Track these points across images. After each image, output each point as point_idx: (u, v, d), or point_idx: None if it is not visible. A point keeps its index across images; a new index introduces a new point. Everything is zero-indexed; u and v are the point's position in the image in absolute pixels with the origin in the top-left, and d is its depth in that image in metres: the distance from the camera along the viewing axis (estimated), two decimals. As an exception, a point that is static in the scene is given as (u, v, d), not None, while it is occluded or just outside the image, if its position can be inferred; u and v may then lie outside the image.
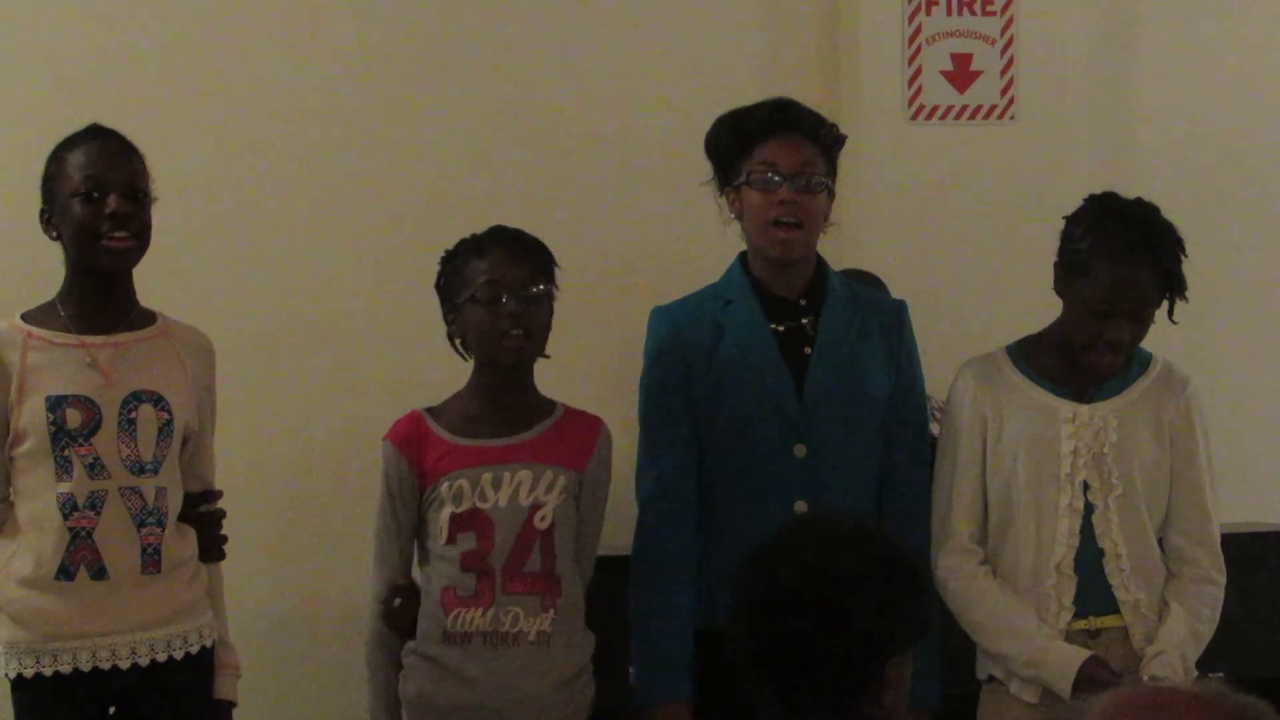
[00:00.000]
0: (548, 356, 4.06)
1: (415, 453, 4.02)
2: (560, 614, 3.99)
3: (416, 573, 4.10)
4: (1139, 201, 4.01)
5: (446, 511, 3.97)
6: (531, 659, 3.96)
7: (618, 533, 4.25)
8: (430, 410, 4.08)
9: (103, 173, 3.84)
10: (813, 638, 2.83)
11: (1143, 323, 3.98)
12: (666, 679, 4.02)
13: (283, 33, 5.27)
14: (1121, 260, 3.91)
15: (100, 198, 3.82)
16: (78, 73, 5.13)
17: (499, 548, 3.96)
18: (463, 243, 4.06)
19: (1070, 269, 4.00)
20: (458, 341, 4.07)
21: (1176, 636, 3.99)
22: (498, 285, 3.96)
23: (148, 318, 3.98)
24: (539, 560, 3.98)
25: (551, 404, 4.11)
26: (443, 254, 4.09)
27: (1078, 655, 3.93)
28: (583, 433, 4.09)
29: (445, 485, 3.98)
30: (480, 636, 3.95)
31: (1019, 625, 3.99)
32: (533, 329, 3.98)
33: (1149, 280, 3.93)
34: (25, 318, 3.90)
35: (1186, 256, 3.97)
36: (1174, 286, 3.97)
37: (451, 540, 3.97)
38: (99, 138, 3.90)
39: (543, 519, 3.99)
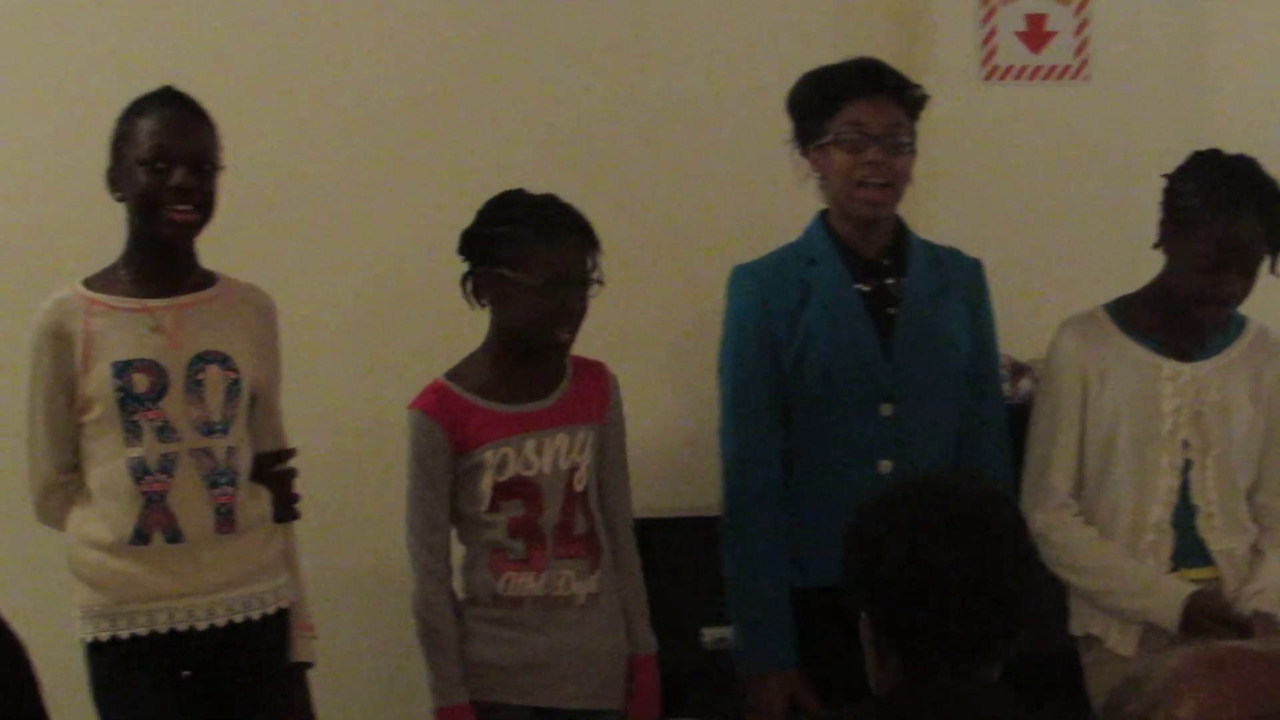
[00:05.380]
0: None
1: (450, 421, 3.93)
2: (604, 574, 3.98)
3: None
4: (1242, 156, 4.03)
5: (488, 479, 3.93)
6: (582, 618, 3.94)
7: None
8: (451, 376, 3.99)
9: (171, 143, 3.79)
10: (957, 590, 2.68)
11: (1252, 276, 3.99)
12: (773, 645, 4.01)
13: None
14: (1233, 216, 3.93)
15: (166, 169, 3.78)
16: (152, 30, 5.10)
17: (549, 513, 3.93)
18: (520, 208, 3.95)
19: (1179, 225, 4.01)
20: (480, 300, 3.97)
21: (1275, 577, 4.04)
22: (563, 280, 3.88)
23: (208, 278, 3.94)
24: (584, 523, 3.96)
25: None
26: (490, 206, 3.99)
27: (1186, 586, 3.97)
28: (596, 384, 4.04)
29: (489, 453, 3.92)
30: (532, 600, 3.93)
31: (1124, 564, 4.01)
32: (579, 324, 3.95)
33: (1258, 234, 3.95)
34: (87, 283, 3.87)
35: None
36: (1278, 239, 3.98)
37: (494, 508, 3.93)
38: (171, 104, 3.84)
39: (580, 481, 3.96)
